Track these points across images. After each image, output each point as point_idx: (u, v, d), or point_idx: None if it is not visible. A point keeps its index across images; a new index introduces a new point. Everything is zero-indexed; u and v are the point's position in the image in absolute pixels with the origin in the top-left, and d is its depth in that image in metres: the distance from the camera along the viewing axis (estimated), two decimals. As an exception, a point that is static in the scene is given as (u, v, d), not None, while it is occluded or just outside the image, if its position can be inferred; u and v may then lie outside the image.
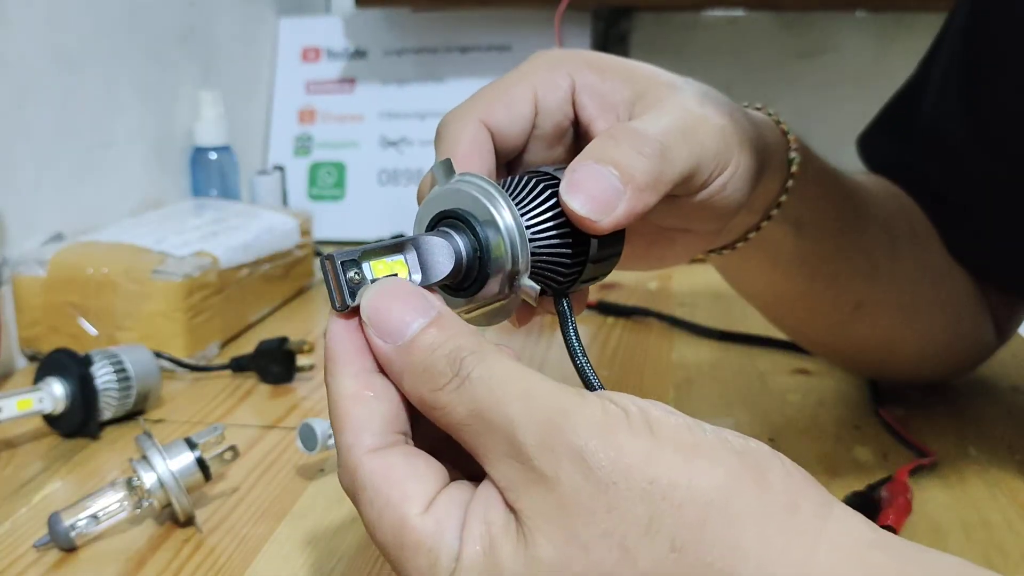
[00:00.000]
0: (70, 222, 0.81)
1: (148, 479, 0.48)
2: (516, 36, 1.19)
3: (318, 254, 0.96)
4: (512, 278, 0.33)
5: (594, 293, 0.89)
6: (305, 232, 0.91)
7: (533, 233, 0.34)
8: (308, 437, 0.52)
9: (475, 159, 0.38)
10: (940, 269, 0.60)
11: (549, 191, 0.35)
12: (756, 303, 0.61)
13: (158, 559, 0.46)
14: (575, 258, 0.35)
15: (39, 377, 0.59)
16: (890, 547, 0.27)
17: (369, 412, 0.30)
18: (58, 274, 0.71)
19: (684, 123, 0.38)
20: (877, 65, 1.25)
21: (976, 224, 0.58)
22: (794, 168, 0.47)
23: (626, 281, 0.95)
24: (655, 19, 1.31)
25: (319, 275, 0.94)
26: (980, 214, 0.58)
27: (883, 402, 0.62)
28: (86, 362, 0.59)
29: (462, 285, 0.33)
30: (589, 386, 0.33)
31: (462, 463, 0.31)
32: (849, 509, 0.28)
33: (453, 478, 0.31)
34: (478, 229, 0.32)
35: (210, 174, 1.01)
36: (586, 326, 0.82)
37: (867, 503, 0.49)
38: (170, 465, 0.48)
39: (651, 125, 0.37)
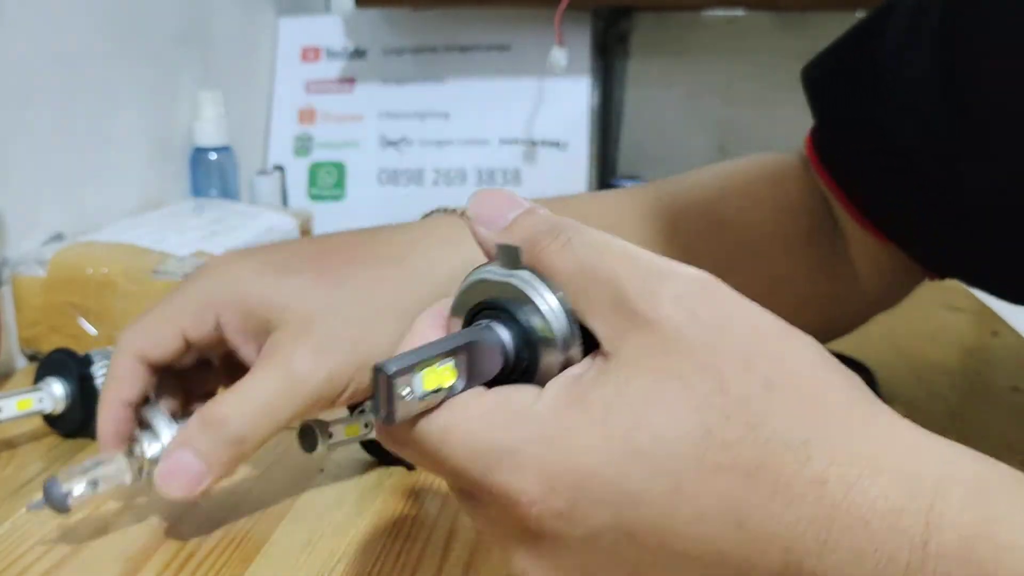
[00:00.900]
0: (70, 222, 0.81)
1: (151, 449, 0.47)
2: (516, 35, 1.19)
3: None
4: (567, 362, 0.31)
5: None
6: (305, 232, 0.91)
7: None
8: (308, 437, 0.52)
9: (126, 385, 0.47)
10: (821, 267, 0.59)
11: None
12: None
13: (158, 559, 0.46)
14: None
15: (39, 377, 0.59)
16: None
17: None
18: (58, 274, 0.71)
19: (276, 390, 0.45)
20: (877, 65, 1.24)
21: (899, 180, 0.55)
22: None
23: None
24: (655, 19, 1.31)
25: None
26: (908, 169, 0.54)
27: (883, 401, 0.62)
28: (86, 362, 0.59)
29: (510, 378, 0.32)
30: None
31: None
32: None
33: None
34: (523, 320, 0.31)
35: (210, 174, 1.01)
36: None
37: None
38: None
39: (235, 408, 0.44)
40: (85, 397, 0.58)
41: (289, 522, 0.49)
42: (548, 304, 0.31)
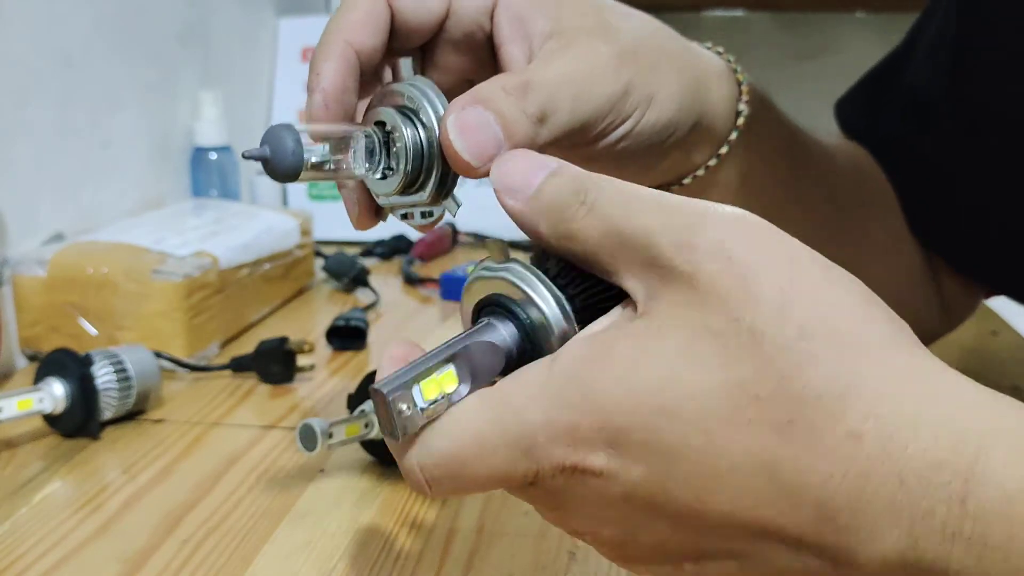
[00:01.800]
0: (70, 222, 0.81)
1: (408, 132, 0.36)
2: (516, 36, 1.19)
3: (318, 254, 0.96)
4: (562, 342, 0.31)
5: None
6: (305, 232, 0.91)
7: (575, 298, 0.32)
8: (308, 437, 0.52)
9: (365, 27, 0.37)
10: (887, 245, 0.59)
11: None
12: None
13: (158, 559, 0.46)
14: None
15: (39, 377, 0.59)
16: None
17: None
18: (58, 274, 0.71)
19: (580, 74, 0.38)
20: (877, 65, 1.25)
21: (943, 201, 0.57)
22: (740, 121, 0.46)
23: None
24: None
25: (320, 275, 0.95)
26: (950, 191, 0.57)
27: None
28: (86, 362, 0.59)
29: (514, 370, 0.31)
30: None
31: None
32: None
33: None
34: (520, 314, 0.31)
35: (210, 174, 1.01)
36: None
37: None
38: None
39: (543, 75, 0.37)
40: (85, 397, 0.58)
41: (289, 522, 0.49)
42: (541, 294, 0.31)
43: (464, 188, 0.41)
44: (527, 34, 0.39)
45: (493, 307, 0.32)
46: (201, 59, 1.04)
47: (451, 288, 0.89)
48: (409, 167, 0.36)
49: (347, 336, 0.75)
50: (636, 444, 0.27)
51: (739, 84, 0.46)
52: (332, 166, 0.35)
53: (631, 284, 0.29)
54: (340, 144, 0.36)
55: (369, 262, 0.99)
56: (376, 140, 0.37)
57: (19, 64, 0.75)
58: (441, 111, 0.36)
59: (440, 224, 0.39)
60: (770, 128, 0.50)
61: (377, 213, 0.39)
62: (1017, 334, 0.77)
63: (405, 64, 0.42)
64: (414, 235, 1.04)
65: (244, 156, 0.35)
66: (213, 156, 1.00)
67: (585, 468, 0.28)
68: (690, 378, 0.27)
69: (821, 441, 0.26)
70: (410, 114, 0.36)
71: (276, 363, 0.68)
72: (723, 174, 0.48)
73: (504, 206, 0.32)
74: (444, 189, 0.37)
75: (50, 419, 0.59)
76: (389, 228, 1.04)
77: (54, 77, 0.80)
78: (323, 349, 0.75)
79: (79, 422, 0.58)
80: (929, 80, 0.57)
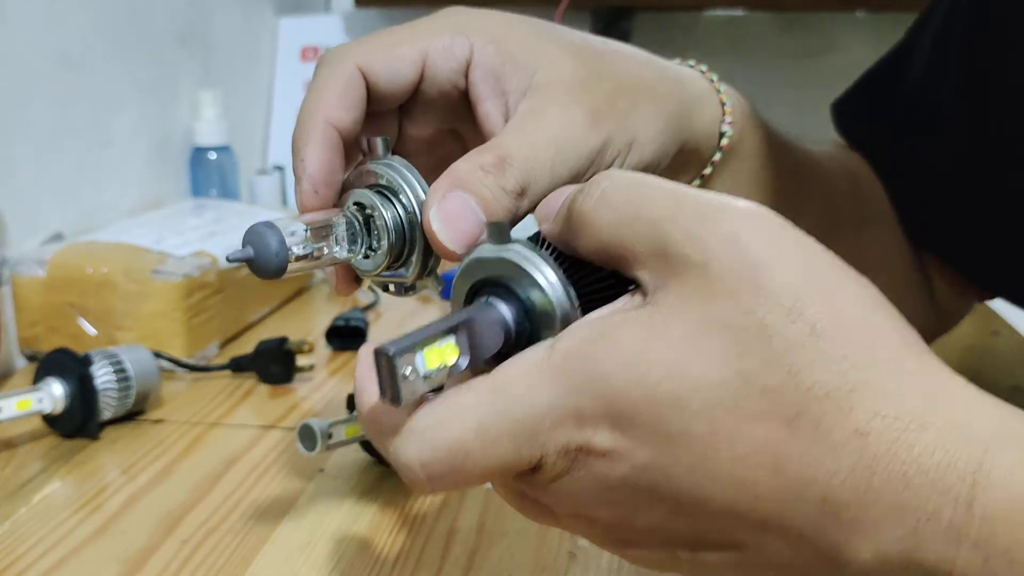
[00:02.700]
0: (70, 222, 0.81)
1: (388, 213, 0.36)
2: (516, 36, 1.19)
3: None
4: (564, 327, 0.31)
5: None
6: (305, 232, 0.91)
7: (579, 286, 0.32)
8: (308, 437, 0.52)
9: (342, 104, 0.37)
10: (881, 257, 0.58)
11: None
12: None
13: (158, 559, 0.46)
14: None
15: (38, 377, 0.59)
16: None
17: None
18: (57, 274, 0.71)
19: (558, 140, 0.37)
20: (877, 65, 1.25)
21: (942, 202, 0.56)
22: (724, 142, 0.46)
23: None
24: (655, 18, 1.31)
25: (319, 275, 0.94)
26: (949, 192, 0.56)
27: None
28: (86, 362, 0.59)
29: (511, 353, 0.31)
30: None
31: None
32: None
33: None
34: (522, 294, 0.31)
35: (209, 174, 1.01)
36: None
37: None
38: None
39: (520, 147, 0.37)
40: (84, 397, 0.58)
41: (289, 522, 0.49)
42: (543, 273, 0.30)
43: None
44: (503, 91, 0.39)
45: (493, 287, 0.31)
46: (201, 59, 1.04)
47: (451, 288, 0.89)
48: (390, 248, 0.36)
49: (347, 336, 0.75)
50: (641, 428, 0.27)
51: (722, 105, 0.46)
52: (316, 254, 0.36)
53: (639, 272, 0.29)
54: (321, 231, 0.36)
55: (369, 262, 0.98)
56: (356, 223, 0.37)
57: (19, 64, 0.75)
58: (421, 193, 0.36)
59: None
60: (757, 145, 0.49)
61: (356, 279, 0.40)
62: (1018, 334, 0.77)
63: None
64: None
65: (228, 260, 0.35)
66: (213, 156, 1.00)
67: (591, 448, 0.28)
68: (697, 368, 0.26)
69: (828, 437, 0.25)
70: (388, 195, 0.36)
71: (275, 363, 0.68)
72: None
73: (545, 235, 0.32)
74: (426, 268, 0.37)
75: (49, 419, 0.59)
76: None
77: (54, 77, 0.80)
78: (323, 349, 0.75)
79: (78, 422, 0.58)
80: (933, 81, 0.57)
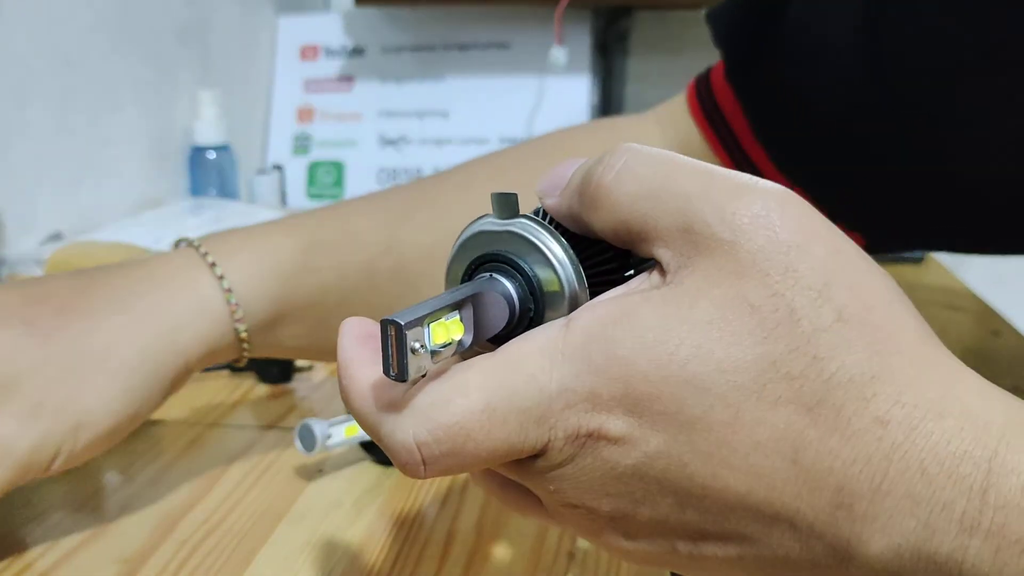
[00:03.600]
0: (68, 221, 0.81)
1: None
2: (515, 33, 1.19)
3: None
4: (572, 310, 0.29)
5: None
6: (304, 231, 0.91)
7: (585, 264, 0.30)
8: (307, 437, 0.52)
9: None
10: None
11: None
12: None
13: (156, 560, 0.46)
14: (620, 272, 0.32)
15: (37, 377, 0.58)
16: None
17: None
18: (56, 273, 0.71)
19: None
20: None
21: (822, 142, 0.54)
22: (243, 334, 0.49)
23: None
24: (655, 17, 1.31)
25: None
26: (835, 132, 0.54)
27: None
28: (84, 362, 0.59)
29: (515, 331, 0.29)
30: None
31: None
32: None
33: None
34: (528, 271, 0.29)
35: (209, 173, 1.01)
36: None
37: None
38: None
39: None
40: (84, 397, 0.57)
41: (289, 522, 0.49)
42: (551, 248, 0.29)
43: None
44: None
45: (495, 263, 0.30)
46: (200, 58, 1.04)
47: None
48: None
49: (346, 335, 0.75)
50: (658, 413, 0.26)
51: (229, 303, 0.48)
52: None
53: (659, 250, 0.28)
54: None
55: (368, 261, 0.98)
56: None
57: (18, 64, 0.75)
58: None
59: None
60: (298, 306, 0.52)
61: None
62: (1018, 334, 0.77)
63: None
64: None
65: None
66: (212, 155, 1.00)
67: (602, 435, 0.27)
68: (722, 350, 0.26)
69: (848, 425, 0.25)
70: None
71: (274, 363, 0.68)
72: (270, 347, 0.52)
73: (546, 209, 0.31)
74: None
75: (48, 419, 0.59)
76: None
77: (53, 77, 0.79)
78: (322, 349, 0.74)
79: (77, 422, 0.58)
80: (829, 27, 0.54)
